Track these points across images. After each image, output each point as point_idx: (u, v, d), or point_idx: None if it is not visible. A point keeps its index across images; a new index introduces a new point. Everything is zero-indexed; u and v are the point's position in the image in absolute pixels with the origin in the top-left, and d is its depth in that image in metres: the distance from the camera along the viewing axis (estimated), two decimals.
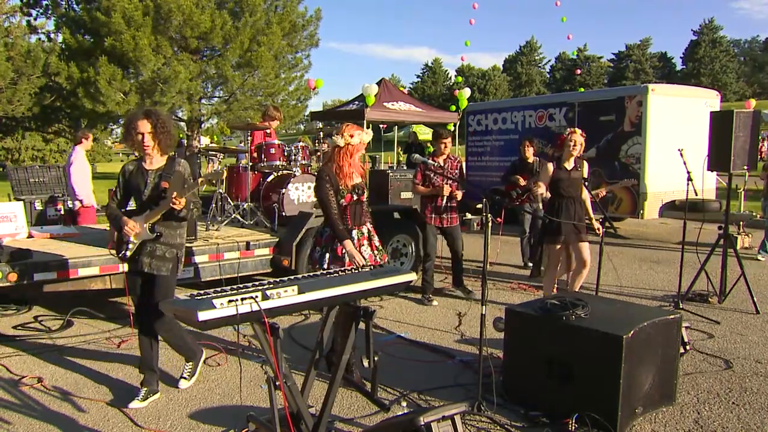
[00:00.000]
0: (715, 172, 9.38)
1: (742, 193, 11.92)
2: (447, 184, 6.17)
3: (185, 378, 4.19)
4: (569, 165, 5.63)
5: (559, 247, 5.69)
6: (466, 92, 20.99)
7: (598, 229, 5.52)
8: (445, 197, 6.21)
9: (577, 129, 5.68)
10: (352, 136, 4.05)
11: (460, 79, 60.39)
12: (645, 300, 6.45)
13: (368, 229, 4.31)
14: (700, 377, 4.29)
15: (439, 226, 6.34)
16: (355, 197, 4.16)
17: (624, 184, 8.89)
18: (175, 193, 3.73)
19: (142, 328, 4.03)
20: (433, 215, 6.29)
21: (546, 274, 6.01)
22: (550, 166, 5.64)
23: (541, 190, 5.64)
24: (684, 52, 79.02)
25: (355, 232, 4.18)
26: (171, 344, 4.15)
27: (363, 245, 4.20)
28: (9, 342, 5.10)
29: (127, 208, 4.03)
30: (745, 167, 6.23)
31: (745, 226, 9.92)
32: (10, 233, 5.94)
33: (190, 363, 4.24)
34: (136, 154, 4.17)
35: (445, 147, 6.37)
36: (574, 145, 5.54)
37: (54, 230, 6.53)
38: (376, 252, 4.27)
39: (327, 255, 4.10)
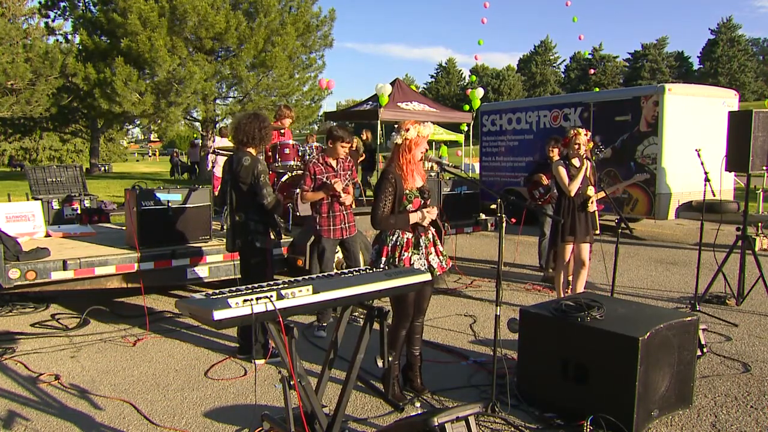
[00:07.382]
0: (733, 173, 9.27)
1: (761, 193, 11.77)
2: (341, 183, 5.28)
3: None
4: (576, 164, 5.67)
5: (571, 246, 5.70)
6: (479, 92, 20.82)
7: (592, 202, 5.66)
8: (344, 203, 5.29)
9: (581, 129, 5.74)
10: (407, 130, 3.79)
11: (474, 78, 60.21)
12: (661, 302, 6.38)
13: (433, 233, 4.00)
14: (717, 380, 4.24)
15: (339, 238, 5.34)
16: (422, 201, 3.87)
17: (637, 179, 8.79)
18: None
19: None
20: (331, 227, 5.28)
21: (557, 275, 5.99)
22: (562, 168, 5.70)
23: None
24: (701, 52, 78.29)
25: (422, 239, 3.87)
26: None
27: (431, 253, 3.91)
28: (27, 339, 5.17)
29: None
30: (764, 168, 6.17)
31: (763, 227, 9.78)
32: (28, 232, 6.02)
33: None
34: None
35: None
36: (580, 146, 5.64)
37: (71, 229, 6.60)
38: (441, 258, 3.99)
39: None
